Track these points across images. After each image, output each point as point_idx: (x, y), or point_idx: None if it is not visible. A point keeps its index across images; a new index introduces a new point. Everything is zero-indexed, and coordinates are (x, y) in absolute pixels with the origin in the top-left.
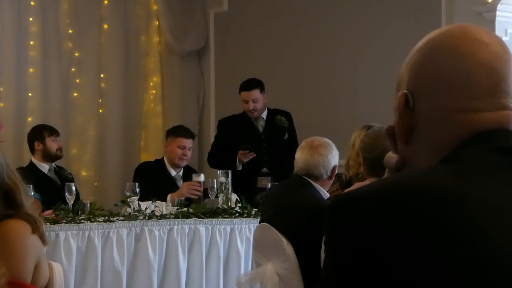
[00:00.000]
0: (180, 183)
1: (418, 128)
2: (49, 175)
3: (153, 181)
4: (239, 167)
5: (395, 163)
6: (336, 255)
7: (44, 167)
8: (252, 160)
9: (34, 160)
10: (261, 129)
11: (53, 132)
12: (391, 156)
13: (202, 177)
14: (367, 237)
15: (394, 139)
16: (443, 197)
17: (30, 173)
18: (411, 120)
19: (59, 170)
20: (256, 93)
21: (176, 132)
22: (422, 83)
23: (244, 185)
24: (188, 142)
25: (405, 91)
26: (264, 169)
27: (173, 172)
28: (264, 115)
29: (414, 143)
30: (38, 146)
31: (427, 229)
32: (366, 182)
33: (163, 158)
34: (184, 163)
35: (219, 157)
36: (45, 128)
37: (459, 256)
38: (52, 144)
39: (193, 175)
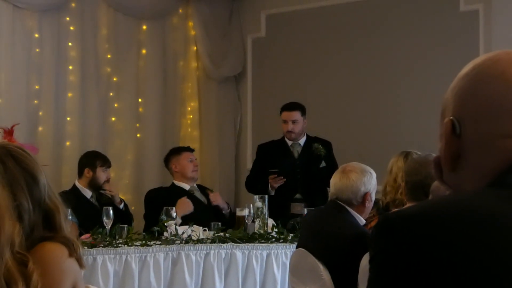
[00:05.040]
0: (198, 193)
1: (464, 154)
2: (91, 200)
3: (166, 204)
4: (272, 193)
5: None
6: (381, 273)
7: (87, 192)
8: (285, 186)
9: (78, 185)
10: (296, 155)
11: (106, 162)
12: (439, 187)
13: (246, 211)
14: (412, 257)
15: (440, 168)
16: (491, 222)
17: (73, 196)
18: (458, 147)
19: (100, 196)
20: (296, 115)
21: (177, 150)
22: (468, 109)
23: (277, 211)
24: (193, 155)
25: (451, 117)
26: (297, 195)
27: (187, 187)
28: (302, 141)
29: (461, 169)
30: (87, 173)
31: (474, 255)
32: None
33: (172, 183)
34: (197, 174)
35: (254, 182)
36: (99, 157)
37: (504, 284)
38: (101, 174)
39: (237, 210)
